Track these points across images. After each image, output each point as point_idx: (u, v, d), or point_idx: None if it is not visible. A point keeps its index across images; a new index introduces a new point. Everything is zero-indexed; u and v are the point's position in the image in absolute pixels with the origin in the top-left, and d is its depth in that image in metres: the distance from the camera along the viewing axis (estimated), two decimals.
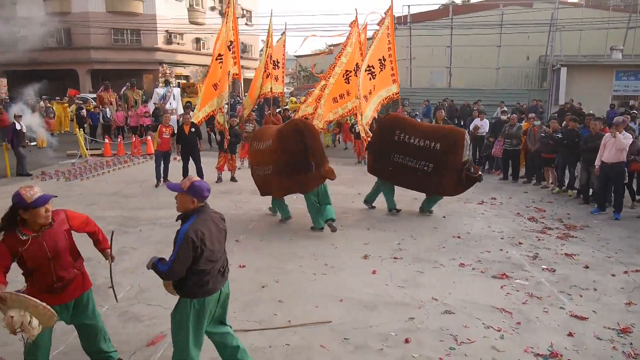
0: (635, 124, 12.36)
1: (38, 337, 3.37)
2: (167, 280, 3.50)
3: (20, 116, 12.50)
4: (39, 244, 3.40)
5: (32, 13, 31.00)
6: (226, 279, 3.69)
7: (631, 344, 4.47)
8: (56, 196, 3.71)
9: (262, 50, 13.72)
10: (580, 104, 18.23)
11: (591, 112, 13.63)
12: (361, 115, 10.52)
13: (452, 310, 5.07)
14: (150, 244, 7.05)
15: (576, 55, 22.56)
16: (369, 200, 9.24)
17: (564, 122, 11.18)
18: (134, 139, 15.84)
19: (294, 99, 17.69)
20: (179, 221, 3.53)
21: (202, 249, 3.35)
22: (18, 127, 11.92)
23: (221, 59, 10.85)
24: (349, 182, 11.39)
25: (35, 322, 3.26)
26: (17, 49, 31.26)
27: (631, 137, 8.63)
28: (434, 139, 8.30)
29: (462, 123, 19.59)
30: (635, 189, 9.54)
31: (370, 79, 10.80)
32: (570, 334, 4.62)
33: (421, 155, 8.36)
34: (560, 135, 10.19)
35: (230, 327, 3.90)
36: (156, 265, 3.42)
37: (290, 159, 7.52)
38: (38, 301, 3.26)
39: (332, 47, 35.53)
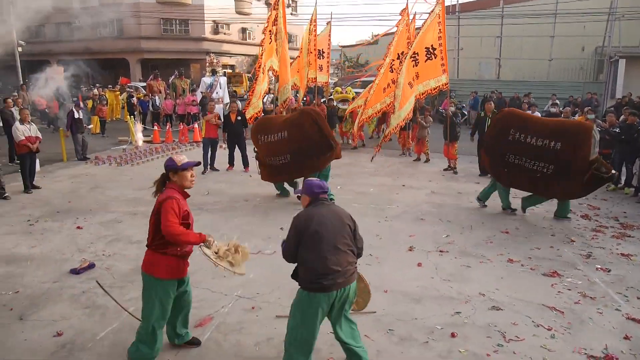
0: None
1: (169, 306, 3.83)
2: (286, 259, 3.66)
3: (79, 105, 13.00)
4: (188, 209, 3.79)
5: (87, 3, 32.14)
6: (349, 281, 3.53)
7: None
8: (199, 163, 3.94)
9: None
10: (639, 98, 17.30)
11: None
12: (400, 105, 10.56)
13: (500, 307, 4.95)
14: (197, 229, 7.07)
15: (636, 46, 21.38)
16: (482, 197, 8.61)
17: (622, 116, 10.66)
18: (182, 126, 16.22)
19: (339, 89, 17.58)
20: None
21: (309, 236, 3.46)
22: (77, 115, 12.40)
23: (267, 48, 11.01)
24: (393, 174, 11.27)
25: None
26: (73, 38, 32.54)
27: None
28: (555, 138, 7.37)
29: None
30: None
31: (413, 66, 10.77)
32: (626, 337, 4.41)
33: (539, 156, 7.52)
34: (618, 130, 9.71)
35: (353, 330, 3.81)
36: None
37: (309, 143, 8.21)
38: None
39: (377, 37, 35.16)
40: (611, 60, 20.99)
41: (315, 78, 14.15)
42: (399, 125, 10.97)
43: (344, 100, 15.39)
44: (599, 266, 6.07)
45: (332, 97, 15.62)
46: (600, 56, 23.37)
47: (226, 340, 4.28)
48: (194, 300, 4.93)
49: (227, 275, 4.35)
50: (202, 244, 3.77)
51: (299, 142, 8.31)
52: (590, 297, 5.21)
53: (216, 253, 3.81)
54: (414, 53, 10.78)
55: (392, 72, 11.76)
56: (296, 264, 3.62)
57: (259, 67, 11.24)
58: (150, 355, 3.81)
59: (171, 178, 3.80)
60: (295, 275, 3.63)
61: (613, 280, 5.67)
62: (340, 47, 34.11)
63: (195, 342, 4.19)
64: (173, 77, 21.66)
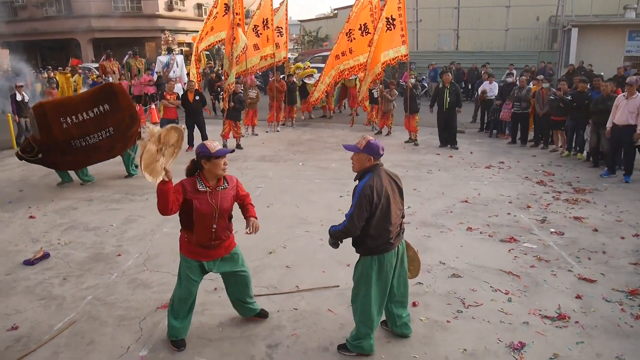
0: None
1: (192, 286, 3.84)
2: (347, 237, 3.60)
3: (22, 86, 12.31)
4: (210, 200, 3.64)
5: None
6: (402, 237, 3.74)
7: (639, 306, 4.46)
8: (234, 150, 3.78)
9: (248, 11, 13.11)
10: (591, 66, 17.80)
11: (602, 73, 13.33)
12: (369, 72, 11.09)
13: (459, 274, 5.07)
14: (157, 212, 7.03)
15: (588, 15, 21.89)
16: None
17: (573, 84, 10.96)
18: (139, 108, 15.69)
19: (300, 64, 17.34)
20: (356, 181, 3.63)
21: (377, 205, 3.43)
22: (19, 97, 11.72)
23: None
24: None
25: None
26: (17, 18, 30.80)
27: None
28: None
29: (469, 87, 19.33)
30: None
31: (385, 31, 11.39)
32: (578, 297, 4.61)
33: None
34: (569, 98, 9.98)
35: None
36: (332, 230, 3.63)
37: (131, 112, 8.30)
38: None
39: (336, 11, 34.83)
40: (564, 30, 21.46)
41: (274, 54, 13.89)
42: (366, 91, 11.55)
43: (310, 76, 15.25)
44: (554, 230, 6.30)
45: (291, 73, 15.42)
46: (554, 25, 23.84)
47: None
48: (154, 285, 4.89)
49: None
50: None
51: (123, 112, 8.15)
52: (545, 260, 5.41)
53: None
54: (388, 18, 11.09)
55: (351, 41, 11.78)
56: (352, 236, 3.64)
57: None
58: (177, 326, 3.85)
59: (203, 166, 3.61)
60: (357, 245, 3.65)
61: (566, 243, 5.90)
62: (299, 22, 33.60)
63: (263, 315, 4.23)
64: (127, 56, 20.85)
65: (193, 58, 12.46)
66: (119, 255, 5.63)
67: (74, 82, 20.24)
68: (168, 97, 10.92)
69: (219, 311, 4.24)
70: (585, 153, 10.03)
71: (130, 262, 5.43)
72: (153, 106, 15.61)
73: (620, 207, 7.15)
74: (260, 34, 13.41)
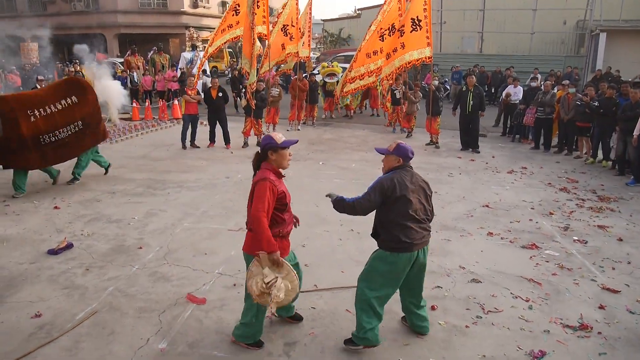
0: None
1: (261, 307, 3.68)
2: (349, 213, 3.73)
3: (43, 80, 12.54)
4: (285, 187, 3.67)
5: None
6: (425, 244, 3.71)
7: None
8: (297, 141, 3.85)
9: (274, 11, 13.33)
10: (618, 72, 17.44)
11: (630, 79, 13.05)
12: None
13: (479, 279, 5.01)
14: (178, 206, 7.14)
15: (617, 20, 21.42)
16: None
17: (599, 89, 10.76)
18: (162, 103, 15.91)
19: (325, 64, 17.34)
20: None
21: (395, 198, 3.56)
22: None
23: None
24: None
25: (282, 288, 3.47)
26: (46, 13, 31.44)
27: None
28: None
29: (493, 90, 19.10)
30: None
31: (398, 37, 11.26)
32: (601, 307, 4.51)
33: None
34: (597, 104, 9.79)
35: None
36: (340, 199, 3.75)
37: (98, 108, 8.30)
38: (293, 273, 3.60)
39: (360, 11, 34.74)
40: (592, 34, 21.05)
41: (298, 53, 13.94)
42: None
43: (332, 74, 15.25)
44: (577, 238, 6.18)
45: (314, 72, 15.45)
46: (581, 30, 23.42)
47: (207, 317, 4.27)
48: (174, 279, 4.94)
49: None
50: (258, 258, 3.49)
51: (92, 105, 8.11)
52: (567, 269, 5.31)
53: (265, 284, 3.44)
54: (414, 19, 11.05)
55: (382, 40, 11.71)
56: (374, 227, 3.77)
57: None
58: (256, 330, 3.83)
59: (269, 157, 3.62)
60: (376, 236, 3.76)
61: (590, 252, 5.79)
62: (322, 21, 33.61)
63: (297, 318, 4.22)
64: (152, 52, 21.16)
65: (209, 51, 12.46)
66: (140, 248, 5.71)
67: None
68: (189, 92, 11.05)
69: (238, 307, 4.26)
70: (610, 161, 9.83)
71: (151, 255, 5.50)
72: (176, 102, 15.80)
73: None
74: (289, 32, 13.51)
